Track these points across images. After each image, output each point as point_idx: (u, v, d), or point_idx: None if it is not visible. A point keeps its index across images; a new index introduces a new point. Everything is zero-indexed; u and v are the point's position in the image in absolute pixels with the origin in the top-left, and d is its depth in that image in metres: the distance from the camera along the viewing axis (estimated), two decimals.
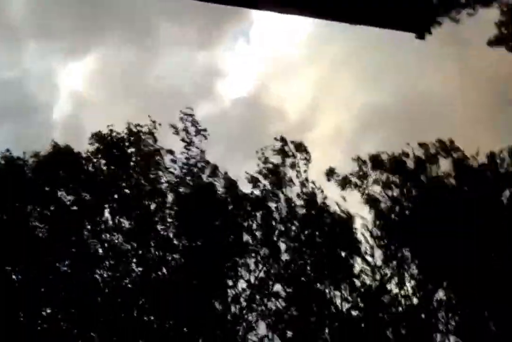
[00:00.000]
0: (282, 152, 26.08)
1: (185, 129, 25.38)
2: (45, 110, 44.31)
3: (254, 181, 25.62)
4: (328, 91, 42.42)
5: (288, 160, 26.07)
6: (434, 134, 25.89)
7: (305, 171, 25.94)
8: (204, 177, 25.32)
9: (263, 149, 25.92)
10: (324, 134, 36.27)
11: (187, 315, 22.94)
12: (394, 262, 24.96)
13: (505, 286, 21.75)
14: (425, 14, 6.16)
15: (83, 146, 25.02)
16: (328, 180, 26.07)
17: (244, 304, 23.99)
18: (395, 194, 25.84)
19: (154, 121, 25.06)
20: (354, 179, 26.05)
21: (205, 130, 25.51)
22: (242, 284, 24.31)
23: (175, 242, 24.64)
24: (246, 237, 24.98)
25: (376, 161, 25.88)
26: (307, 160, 26.06)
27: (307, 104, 42.19)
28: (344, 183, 25.92)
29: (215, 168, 25.35)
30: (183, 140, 25.27)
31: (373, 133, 36.30)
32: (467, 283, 22.75)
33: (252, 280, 24.34)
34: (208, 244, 23.59)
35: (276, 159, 26.11)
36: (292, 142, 26.32)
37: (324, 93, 42.39)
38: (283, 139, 26.24)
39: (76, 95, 44.50)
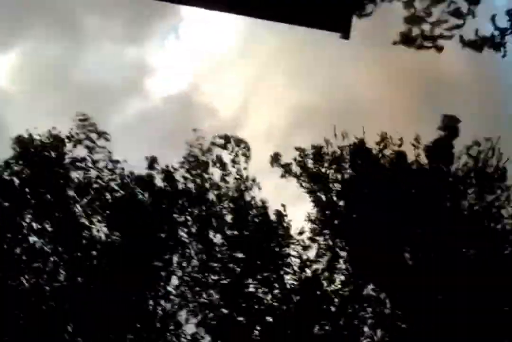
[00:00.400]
0: (223, 148, 26.04)
1: (86, 136, 25.18)
2: None
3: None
4: (259, 90, 41.44)
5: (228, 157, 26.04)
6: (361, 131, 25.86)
7: (244, 168, 25.93)
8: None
9: (190, 144, 25.75)
10: (255, 132, 35.16)
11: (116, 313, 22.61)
12: (327, 257, 25.08)
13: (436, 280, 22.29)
14: (344, 13, 6.24)
15: (4, 146, 24.43)
16: (272, 165, 26.00)
17: (176, 300, 24.01)
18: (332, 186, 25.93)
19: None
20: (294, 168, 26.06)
21: (105, 133, 25.32)
22: (174, 281, 24.32)
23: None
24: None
25: (317, 151, 25.96)
26: (247, 156, 26.02)
27: (238, 102, 40.86)
28: (287, 169, 25.94)
29: (153, 161, 25.21)
30: (87, 147, 25.12)
31: (304, 131, 36.03)
32: (396, 277, 23.13)
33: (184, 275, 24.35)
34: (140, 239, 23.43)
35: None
36: (230, 138, 26.20)
37: (255, 91, 41.36)
38: (226, 137, 26.08)
39: None
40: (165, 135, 33.23)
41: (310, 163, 25.92)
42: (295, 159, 25.99)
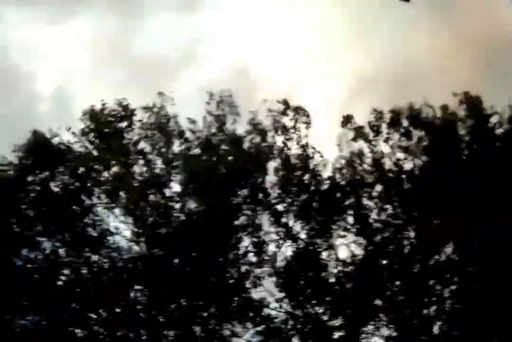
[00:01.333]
0: (283, 114, 25.80)
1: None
2: (30, 81, 42.70)
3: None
4: (317, 59, 41.24)
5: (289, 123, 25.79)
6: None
7: (306, 136, 25.73)
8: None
9: (253, 111, 25.56)
10: (315, 102, 35.34)
11: (191, 271, 23.24)
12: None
13: None
14: None
15: (72, 119, 24.93)
16: (343, 126, 25.72)
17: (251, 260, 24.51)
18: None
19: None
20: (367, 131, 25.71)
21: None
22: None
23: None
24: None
25: (394, 113, 25.53)
26: (308, 124, 25.75)
27: (296, 72, 40.43)
28: (359, 133, 25.59)
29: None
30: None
31: (364, 100, 35.58)
32: None
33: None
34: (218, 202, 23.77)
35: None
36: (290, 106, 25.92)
37: (314, 60, 41.11)
38: (285, 102, 25.77)
39: (60, 65, 42.75)
40: None
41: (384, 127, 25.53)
42: (369, 122, 25.61)
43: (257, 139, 25.52)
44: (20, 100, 38.75)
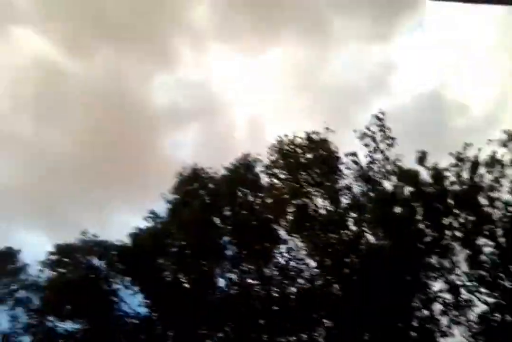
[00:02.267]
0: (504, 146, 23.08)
1: (372, 134, 25.07)
2: (227, 109, 46.24)
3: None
4: None
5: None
6: None
7: None
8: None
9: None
10: None
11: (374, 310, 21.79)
12: None
13: None
14: None
15: (264, 146, 26.05)
16: None
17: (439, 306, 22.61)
18: None
19: (327, 129, 25.49)
20: None
21: (393, 138, 24.94)
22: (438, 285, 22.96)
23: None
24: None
25: None
26: None
27: (493, 99, 38.18)
28: None
29: (422, 156, 23.75)
30: (366, 145, 25.07)
31: None
32: None
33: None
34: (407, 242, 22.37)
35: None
36: None
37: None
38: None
39: (255, 94, 46.94)
40: (413, 133, 32.06)
41: None
42: None
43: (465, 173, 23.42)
44: (219, 126, 43.64)
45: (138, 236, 25.65)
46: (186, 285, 24.65)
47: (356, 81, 43.10)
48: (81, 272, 25.20)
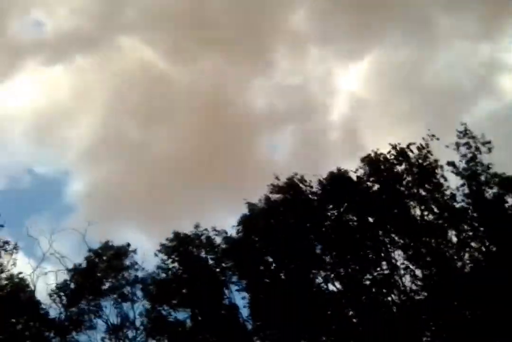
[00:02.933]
0: None
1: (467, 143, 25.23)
2: (325, 112, 47.23)
3: None
4: None
5: None
6: None
7: None
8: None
9: None
10: None
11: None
12: None
13: None
14: None
15: (359, 148, 29.43)
16: None
17: None
18: None
19: (433, 135, 25.65)
20: None
21: (489, 142, 25.00)
22: None
23: None
24: None
25: None
26: None
27: None
28: None
29: None
30: (464, 155, 25.24)
31: None
32: None
33: None
34: None
35: None
36: None
37: None
38: None
39: (353, 96, 46.87)
40: None
41: None
42: None
43: None
44: (315, 129, 44.66)
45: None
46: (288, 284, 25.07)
47: (461, 81, 42.88)
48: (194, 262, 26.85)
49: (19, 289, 26.73)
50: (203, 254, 27.72)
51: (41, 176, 46.88)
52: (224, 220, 36.92)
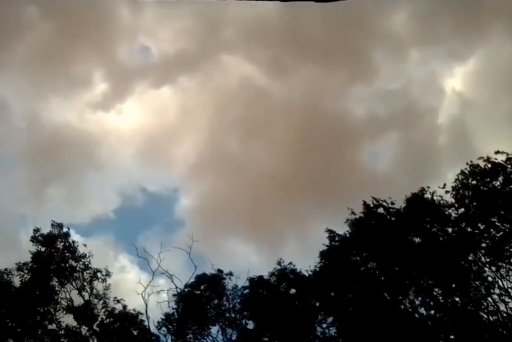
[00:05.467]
0: None
1: None
2: (430, 115, 45.47)
3: None
4: None
5: None
6: None
7: None
8: None
9: None
10: None
11: None
12: None
13: None
14: None
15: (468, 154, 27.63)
16: None
17: None
18: None
19: None
20: None
21: None
22: None
23: None
24: None
25: None
26: None
27: None
28: None
29: None
30: None
31: None
32: None
33: None
34: None
35: None
36: None
37: None
38: None
39: (459, 97, 45.52)
40: None
41: None
42: None
43: None
44: (419, 135, 43.36)
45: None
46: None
47: None
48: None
49: (131, 322, 28.04)
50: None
51: (152, 193, 49.11)
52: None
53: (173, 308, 28.49)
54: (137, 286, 29.16)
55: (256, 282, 27.87)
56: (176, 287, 28.84)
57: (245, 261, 36.46)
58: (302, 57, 48.73)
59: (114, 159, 51.92)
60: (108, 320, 27.55)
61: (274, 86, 50.49)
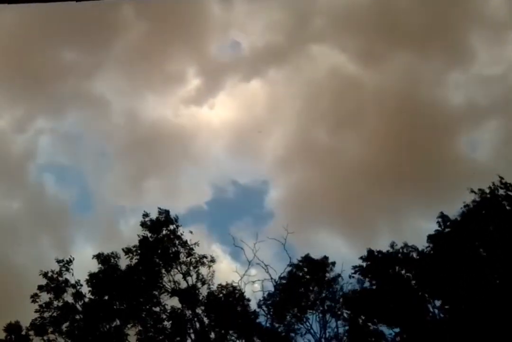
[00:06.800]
0: None
1: None
2: None
3: None
4: None
5: None
6: None
7: None
8: None
9: None
10: None
11: None
12: None
13: None
14: None
15: None
16: None
17: None
18: None
19: None
20: None
21: None
22: None
23: None
24: None
25: None
26: None
27: None
28: None
29: None
30: None
31: None
32: None
33: None
34: None
35: None
36: None
37: None
38: None
39: None
40: None
41: None
42: None
43: None
44: None
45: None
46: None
47: None
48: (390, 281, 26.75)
49: (234, 298, 28.81)
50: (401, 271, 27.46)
51: (243, 185, 50.00)
52: (422, 222, 36.48)
53: (275, 286, 29.05)
54: (230, 275, 29.84)
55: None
56: (271, 278, 29.39)
57: (336, 253, 36.35)
58: (394, 44, 47.80)
59: (207, 153, 53.36)
60: (214, 295, 28.70)
61: (365, 75, 49.95)
